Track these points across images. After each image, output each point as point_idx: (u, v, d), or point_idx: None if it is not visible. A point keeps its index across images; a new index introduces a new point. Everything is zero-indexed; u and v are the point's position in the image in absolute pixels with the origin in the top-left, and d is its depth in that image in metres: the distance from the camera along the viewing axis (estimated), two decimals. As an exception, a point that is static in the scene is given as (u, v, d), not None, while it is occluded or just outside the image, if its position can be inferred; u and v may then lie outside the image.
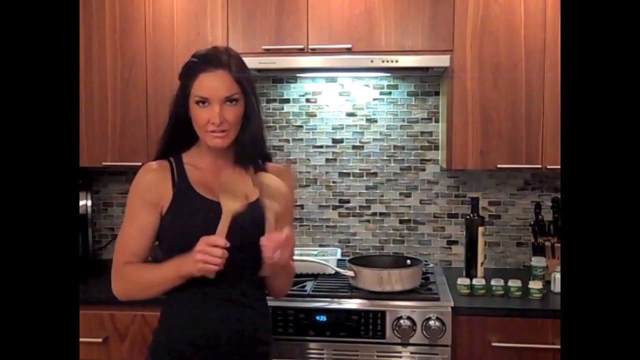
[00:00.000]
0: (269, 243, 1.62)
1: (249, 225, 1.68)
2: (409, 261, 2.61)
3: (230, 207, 1.63)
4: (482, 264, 2.67)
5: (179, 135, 1.79)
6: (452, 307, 2.34)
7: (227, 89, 1.69)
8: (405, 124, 2.97)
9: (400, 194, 3.00)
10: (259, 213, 1.68)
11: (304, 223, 3.04)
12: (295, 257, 1.90)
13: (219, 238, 1.59)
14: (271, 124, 3.00)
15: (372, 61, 2.51)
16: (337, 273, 2.57)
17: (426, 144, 2.97)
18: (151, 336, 2.40)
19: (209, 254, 1.57)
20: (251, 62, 2.54)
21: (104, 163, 2.74)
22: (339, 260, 2.76)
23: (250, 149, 1.78)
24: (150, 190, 1.74)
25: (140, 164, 2.70)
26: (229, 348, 1.72)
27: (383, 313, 2.34)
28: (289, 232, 1.64)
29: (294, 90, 3.01)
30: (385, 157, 3.00)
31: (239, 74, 1.71)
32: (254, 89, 1.76)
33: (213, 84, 1.68)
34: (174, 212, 1.72)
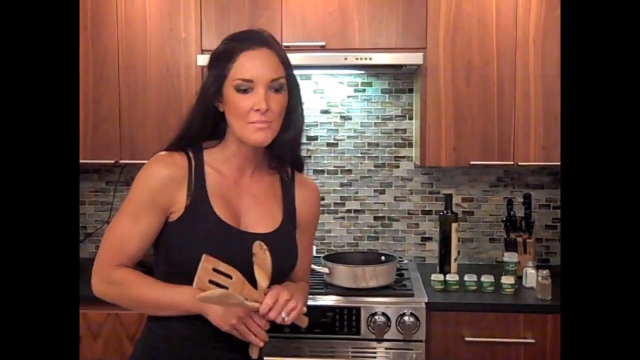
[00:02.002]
0: (269, 313, 1.42)
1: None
2: (383, 257, 2.63)
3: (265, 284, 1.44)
4: (455, 259, 2.70)
5: (202, 132, 1.54)
6: (426, 303, 2.36)
7: (274, 70, 1.46)
8: (380, 121, 2.99)
9: (375, 190, 3.02)
10: (274, 247, 1.46)
11: (279, 220, 3.04)
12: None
13: (265, 323, 1.44)
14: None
15: (346, 58, 2.51)
16: (311, 270, 2.57)
17: (400, 141, 2.99)
18: (125, 335, 2.42)
19: (249, 328, 1.43)
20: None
21: (75, 161, 2.70)
22: (313, 257, 2.75)
23: (290, 149, 1.56)
24: (163, 191, 1.48)
25: (112, 161, 2.70)
26: None
27: (358, 309, 2.35)
28: (280, 291, 1.43)
29: (268, 88, 3.00)
30: (359, 154, 3.01)
31: (284, 56, 1.50)
32: (296, 78, 1.54)
33: (258, 64, 1.44)
34: (183, 231, 1.48)
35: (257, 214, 1.55)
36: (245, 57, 1.45)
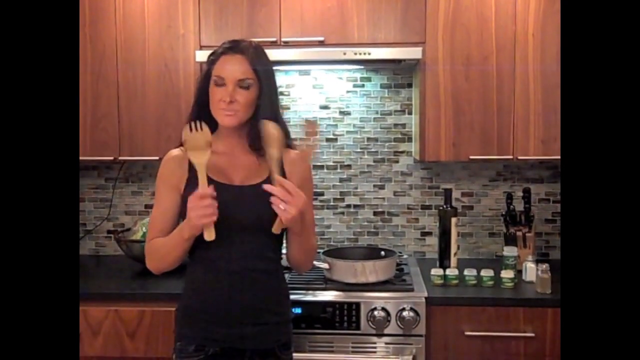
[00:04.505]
0: (271, 189, 1.72)
1: (257, 203, 1.80)
2: (383, 253, 2.63)
3: (199, 159, 1.77)
4: (455, 254, 2.70)
5: (197, 119, 1.88)
6: (425, 298, 2.36)
7: (242, 73, 1.83)
8: (379, 116, 2.99)
9: (374, 186, 3.02)
10: (263, 193, 1.77)
11: (279, 216, 3.04)
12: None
13: (204, 189, 1.72)
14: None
15: (344, 54, 2.51)
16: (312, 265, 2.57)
17: (399, 136, 2.99)
18: (124, 332, 2.43)
19: (198, 206, 1.70)
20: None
21: (75, 157, 2.70)
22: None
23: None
24: (171, 175, 1.90)
25: (112, 158, 2.71)
26: (238, 317, 1.85)
27: (357, 304, 2.35)
28: (293, 186, 1.73)
29: (267, 83, 2.99)
30: (358, 150, 3.01)
31: (256, 62, 1.86)
32: (270, 80, 1.90)
33: (230, 66, 1.84)
34: (188, 195, 1.82)
35: (246, 173, 1.90)
36: (223, 60, 1.86)
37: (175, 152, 1.95)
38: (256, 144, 1.89)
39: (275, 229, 1.78)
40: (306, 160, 2.02)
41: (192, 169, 1.85)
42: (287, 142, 1.92)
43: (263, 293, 1.88)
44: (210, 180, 1.83)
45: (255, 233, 1.84)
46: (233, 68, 1.83)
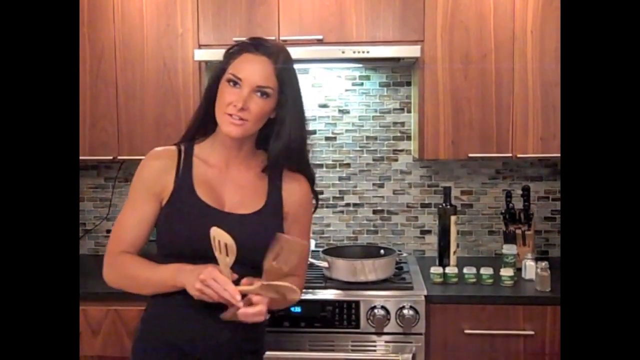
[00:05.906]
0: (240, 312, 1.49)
1: (243, 236, 1.53)
2: (382, 251, 2.63)
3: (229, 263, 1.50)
4: (454, 252, 2.70)
5: (201, 120, 1.68)
6: (425, 296, 2.36)
7: (263, 78, 1.58)
8: (378, 114, 2.98)
9: (374, 184, 3.01)
10: (255, 226, 1.61)
11: (278, 215, 3.04)
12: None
13: (229, 285, 1.46)
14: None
15: (343, 52, 2.51)
16: (311, 264, 2.57)
17: (398, 135, 2.99)
18: (124, 331, 2.42)
19: (211, 288, 1.46)
20: (222, 54, 2.53)
21: (74, 157, 2.69)
22: (313, 251, 2.75)
23: (282, 159, 1.66)
24: (154, 180, 1.64)
25: (111, 158, 2.70)
26: (209, 355, 1.61)
27: (357, 303, 2.35)
28: (261, 308, 1.49)
29: (265, 82, 2.99)
30: (358, 148, 3.01)
31: (282, 70, 1.60)
32: (295, 94, 1.65)
33: (251, 67, 1.57)
34: (168, 211, 1.63)
35: (240, 199, 1.66)
36: (245, 57, 1.59)
37: (163, 153, 1.69)
38: (273, 169, 1.68)
39: (226, 316, 1.52)
40: (305, 188, 1.76)
41: (178, 179, 1.64)
42: (311, 174, 1.75)
43: (236, 331, 1.59)
44: (197, 200, 1.61)
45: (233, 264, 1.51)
46: (254, 70, 1.57)
